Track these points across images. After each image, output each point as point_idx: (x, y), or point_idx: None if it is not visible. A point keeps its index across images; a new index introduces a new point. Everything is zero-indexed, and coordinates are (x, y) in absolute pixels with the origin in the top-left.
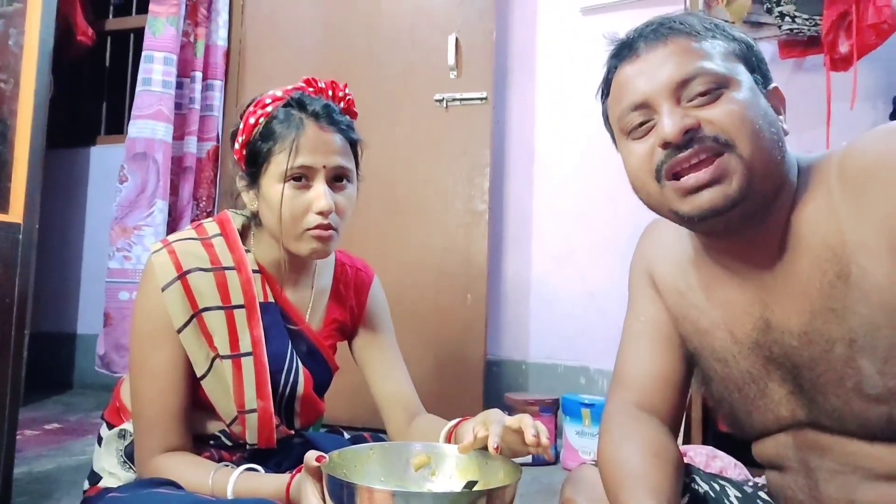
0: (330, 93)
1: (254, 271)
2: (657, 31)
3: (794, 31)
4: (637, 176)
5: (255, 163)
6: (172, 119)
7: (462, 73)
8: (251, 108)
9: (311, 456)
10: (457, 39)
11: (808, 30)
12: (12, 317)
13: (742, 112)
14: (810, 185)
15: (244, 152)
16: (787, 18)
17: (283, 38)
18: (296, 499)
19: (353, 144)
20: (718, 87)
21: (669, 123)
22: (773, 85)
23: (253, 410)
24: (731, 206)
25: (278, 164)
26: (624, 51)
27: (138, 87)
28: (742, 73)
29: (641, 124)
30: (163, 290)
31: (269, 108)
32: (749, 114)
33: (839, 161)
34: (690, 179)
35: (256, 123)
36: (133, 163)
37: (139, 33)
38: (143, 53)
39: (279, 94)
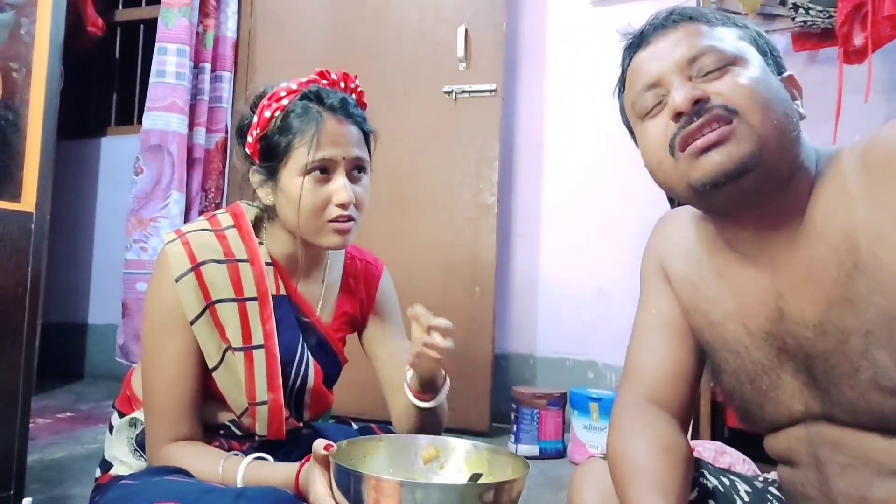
0: (342, 84)
1: (267, 264)
2: (668, 19)
3: (808, 23)
4: (653, 153)
5: (272, 157)
6: (187, 111)
7: (471, 65)
8: (265, 102)
9: (319, 444)
10: (466, 31)
11: (823, 22)
12: (25, 306)
13: (750, 85)
14: (830, 173)
15: (259, 146)
16: (800, 10)
17: (291, 29)
18: (305, 487)
19: (367, 135)
20: (728, 64)
21: (679, 94)
22: (787, 73)
23: (263, 403)
24: (742, 170)
25: (298, 157)
26: (636, 41)
27: (152, 79)
28: (752, 54)
29: (655, 106)
30: (177, 280)
31: (284, 102)
32: (757, 87)
33: (861, 150)
34: (699, 141)
35: (272, 117)
36: (148, 154)
37: (149, 24)
38: (157, 45)
39: (294, 86)
